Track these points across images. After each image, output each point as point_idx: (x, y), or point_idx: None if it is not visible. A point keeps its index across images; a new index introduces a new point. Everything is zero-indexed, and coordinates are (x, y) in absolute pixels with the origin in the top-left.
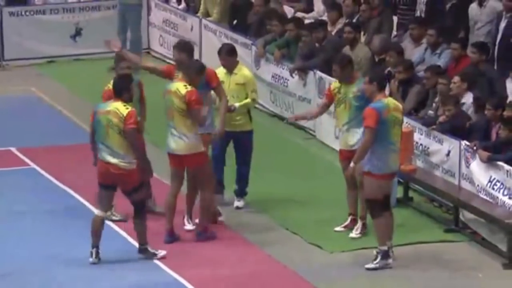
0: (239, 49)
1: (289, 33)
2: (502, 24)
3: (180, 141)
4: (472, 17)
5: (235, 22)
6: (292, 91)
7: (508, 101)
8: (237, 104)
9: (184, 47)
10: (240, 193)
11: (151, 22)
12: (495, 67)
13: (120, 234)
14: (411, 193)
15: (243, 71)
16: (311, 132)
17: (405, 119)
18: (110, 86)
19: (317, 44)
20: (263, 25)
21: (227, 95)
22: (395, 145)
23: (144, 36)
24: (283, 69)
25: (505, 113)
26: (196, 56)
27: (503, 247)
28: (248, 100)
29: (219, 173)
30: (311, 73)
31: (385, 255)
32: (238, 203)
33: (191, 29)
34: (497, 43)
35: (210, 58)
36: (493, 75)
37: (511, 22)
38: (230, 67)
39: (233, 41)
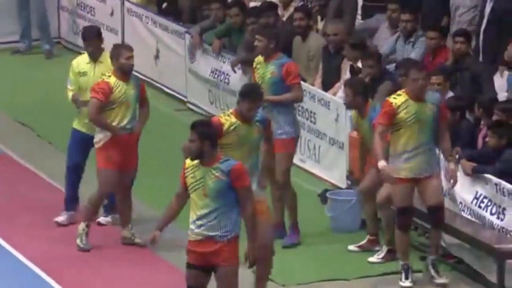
0: (170, 38)
1: (232, 18)
2: (488, 9)
3: None
4: (453, 1)
5: (164, 5)
6: (234, 89)
7: (498, 100)
8: None
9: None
10: (113, 207)
11: (62, 6)
12: (480, 60)
13: None
14: (379, 213)
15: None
16: None
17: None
18: (106, 78)
19: None
20: (198, 9)
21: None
22: None
23: (54, 22)
24: (224, 62)
25: (494, 117)
26: None
27: (491, 277)
28: None
29: (74, 187)
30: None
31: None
32: (106, 218)
33: (112, 13)
34: (481, 31)
35: (134, 50)
36: (478, 70)
37: (498, 5)
38: (98, 53)
39: (162, 28)
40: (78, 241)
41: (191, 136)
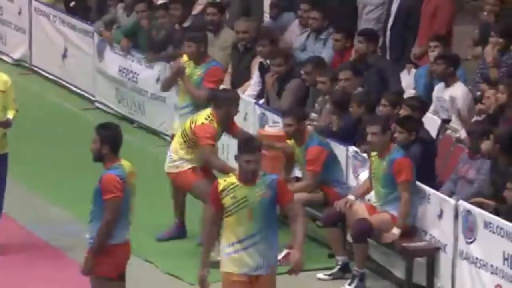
0: (78, 37)
1: (138, 14)
2: (395, 6)
3: None
4: None
5: (72, 4)
6: (143, 88)
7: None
8: (10, 116)
9: None
10: None
11: None
12: (387, 57)
13: None
14: None
15: (1, 76)
16: (167, 138)
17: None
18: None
19: (176, 26)
20: (105, 7)
21: None
22: None
23: None
24: (132, 61)
25: (402, 112)
26: (25, 47)
27: (399, 273)
28: (14, 111)
29: None
30: (165, 66)
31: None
32: None
33: (19, 12)
34: (388, 28)
35: (41, 49)
36: (384, 68)
37: (405, 3)
38: None
39: (70, 27)
40: None
41: (94, 137)
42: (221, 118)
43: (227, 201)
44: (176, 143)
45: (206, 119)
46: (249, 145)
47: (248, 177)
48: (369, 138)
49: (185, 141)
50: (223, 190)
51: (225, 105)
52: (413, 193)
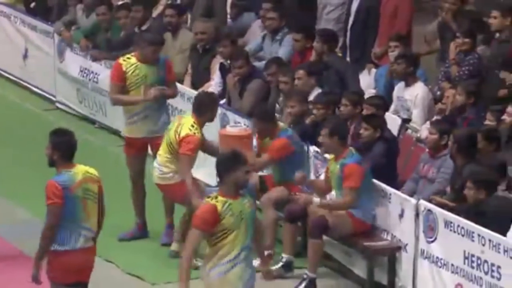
0: (38, 37)
1: (99, 16)
2: (354, 6)
3: None
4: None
5: (32, 4)
6: (103, 88)
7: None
8: None
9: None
10: None
11: None
12: (348, 57)
13: None
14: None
15: None
16: None
17: (244, 121)
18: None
19: (136, 29)
20: (66, 7)
21: None
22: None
23: None
24: (92, 61)
25: (365, 112)
26: None
27: (361, 272)
28: None
29: None
30: None
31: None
32: None
33: None
34: (348, 28)
35: (2, 49)
36: (343, 68)
37: (364, 3)
38: None
39: (31, 27)
40: None
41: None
42: (204, 123)
43: (227, 220)
44: (163, 156)
45: (190, 129)
46: (242, 156)
47: (240, 189)
48: (320, 139)
49: (172, 153)
50: (221, 211)
51: (209, 109)
52: (372, 190)
